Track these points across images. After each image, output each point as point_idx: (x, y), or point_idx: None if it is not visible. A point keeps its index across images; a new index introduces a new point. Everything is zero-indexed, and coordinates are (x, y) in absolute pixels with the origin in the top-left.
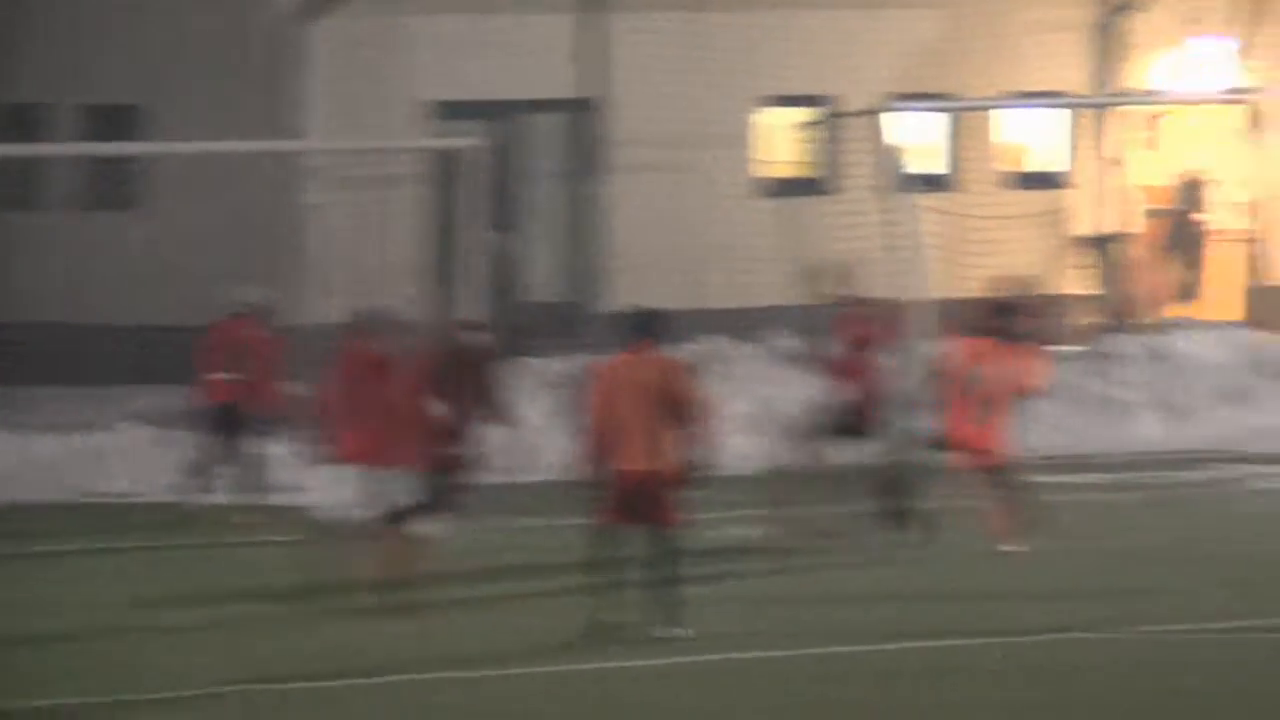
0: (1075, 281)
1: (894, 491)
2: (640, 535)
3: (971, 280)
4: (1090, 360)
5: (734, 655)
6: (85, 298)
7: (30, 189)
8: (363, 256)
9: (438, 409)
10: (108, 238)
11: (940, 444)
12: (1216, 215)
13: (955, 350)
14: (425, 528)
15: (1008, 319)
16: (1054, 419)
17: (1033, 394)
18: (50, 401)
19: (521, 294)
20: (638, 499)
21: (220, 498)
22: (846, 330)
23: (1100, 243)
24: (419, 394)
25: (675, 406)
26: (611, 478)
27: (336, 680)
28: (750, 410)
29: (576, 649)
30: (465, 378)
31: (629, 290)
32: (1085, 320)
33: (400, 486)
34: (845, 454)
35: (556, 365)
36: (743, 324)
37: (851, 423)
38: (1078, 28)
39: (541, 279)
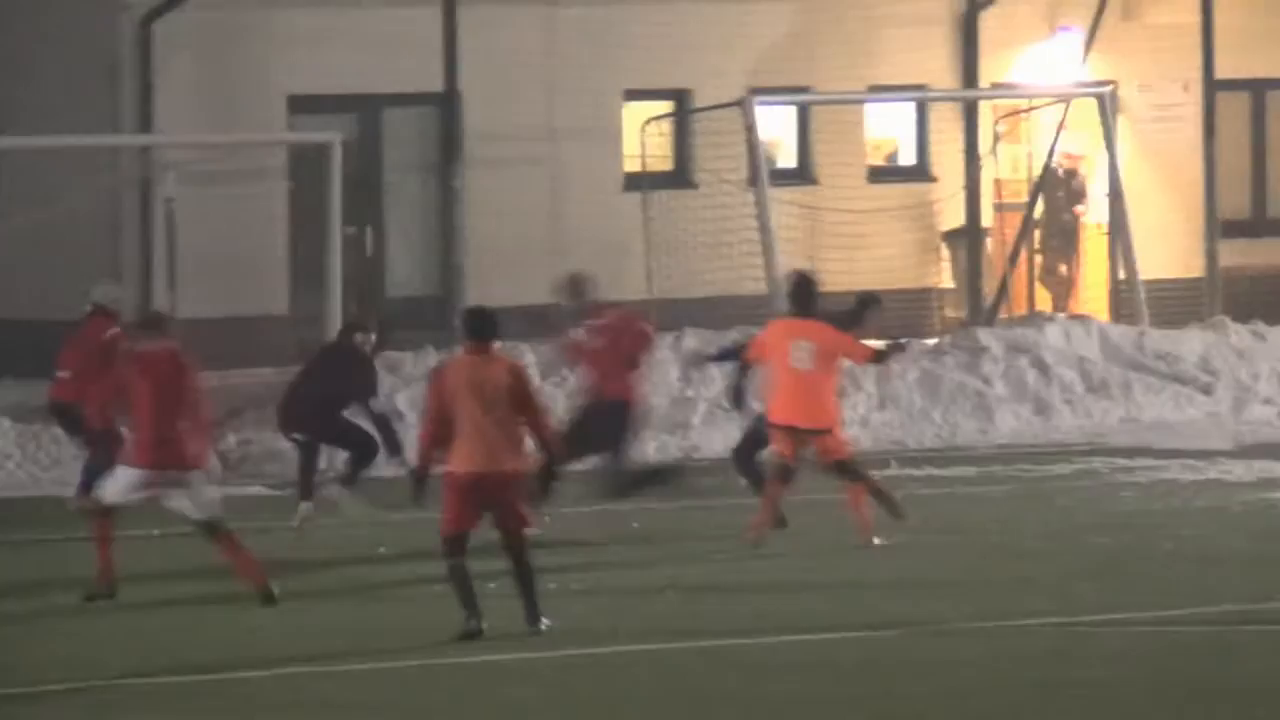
0: (940, 275)
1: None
2: (492, 533)
3: (833, 274)
4: (955, 354)
5: (602, 649)
6: None
7: None
8: (221, 251)
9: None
10: None
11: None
12: (1086, 208)
13: (769, 332)
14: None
15: (811, 298)
16: (920, 412)
17: (860, 362)
18: None
19: (383, 289)
20: (480, 500)
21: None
22: (593, 335)
23: (964, 236)
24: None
25: (519, 407)
26: (452, 479)
27: (207, 674)
28: None
29: (445, 644)
30: (346, 375)
31: (493, 285)
32: (950, 314)
33: (183, 489)
34: (594, 457)
35: (420, 360)
36: None
37: (598, 426)
38: (939, 21)
39: (404, 274)
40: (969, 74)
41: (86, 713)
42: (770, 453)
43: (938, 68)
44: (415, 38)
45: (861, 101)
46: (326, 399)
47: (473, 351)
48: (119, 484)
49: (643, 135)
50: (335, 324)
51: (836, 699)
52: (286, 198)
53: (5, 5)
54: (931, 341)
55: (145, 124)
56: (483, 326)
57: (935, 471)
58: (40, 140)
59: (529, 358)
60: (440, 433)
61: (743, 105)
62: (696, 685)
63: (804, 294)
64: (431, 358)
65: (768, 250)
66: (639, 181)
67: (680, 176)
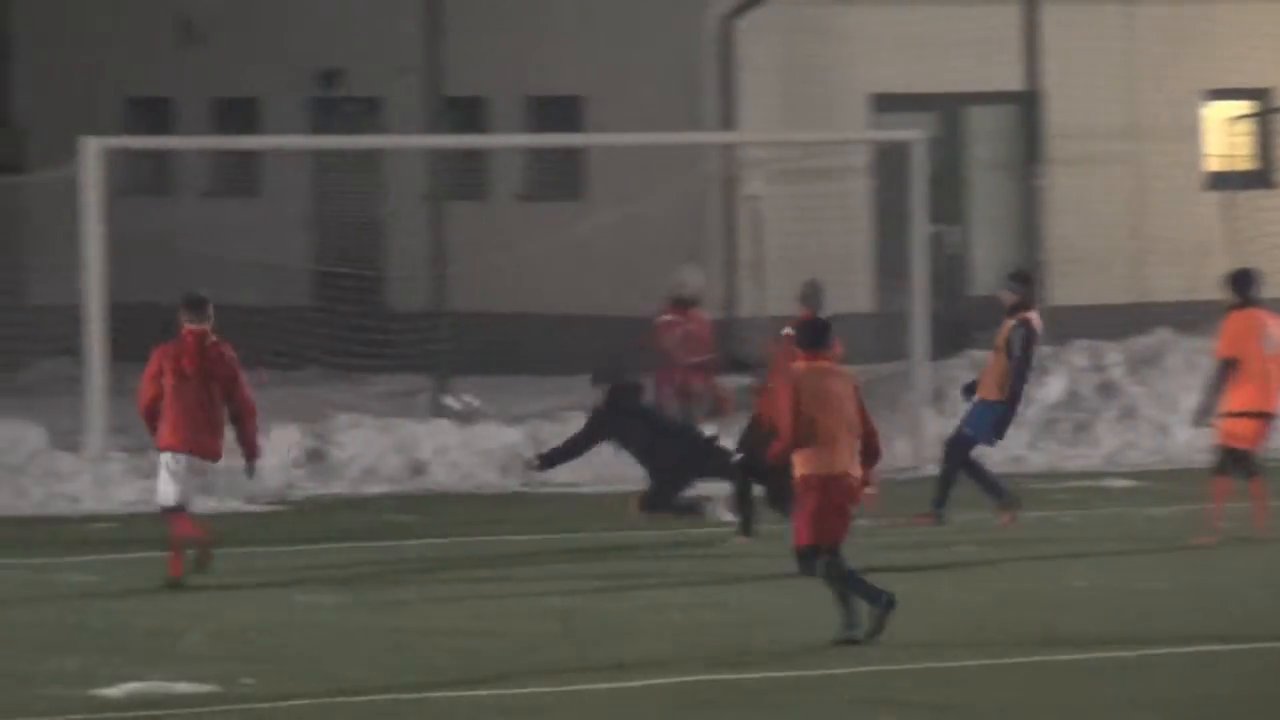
0: None
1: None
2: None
3: None
4: None
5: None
6: (530, 288)
7: (476, 180)
8: (806, 249)
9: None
10: (553, 228)
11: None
12: None
13: (1239, 325)
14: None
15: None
16: None
17: None
18: (500, 391)
19: (965, 287)
20: (841, 506)
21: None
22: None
23: None
24: None
25: (860, 416)
26: (811, 482)
27: (799, 671)
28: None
29: (1032, 644)
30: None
31: (1070, 284)
32: None
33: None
34: None
35: None
36: (1188, 318)
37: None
38: None
39: (986, 272)
40: None
41: (671, 712)
42: (1226, 443)
43: None
44: (997, 37)
45: None
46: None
47: (817, 358)
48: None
49: (1231, 134)
50: (920, 322)
51: None
52: (869, 196)
53: (591, 4)
54: None
55: (728, 121)
56: (826, 335)
57: None
58: (624, 137)
59: (1113, 356)
60: (799, 439)
61: None
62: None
63: (1253, 284)
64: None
65: None
66: (1221, 181)
67: (1263, 176)
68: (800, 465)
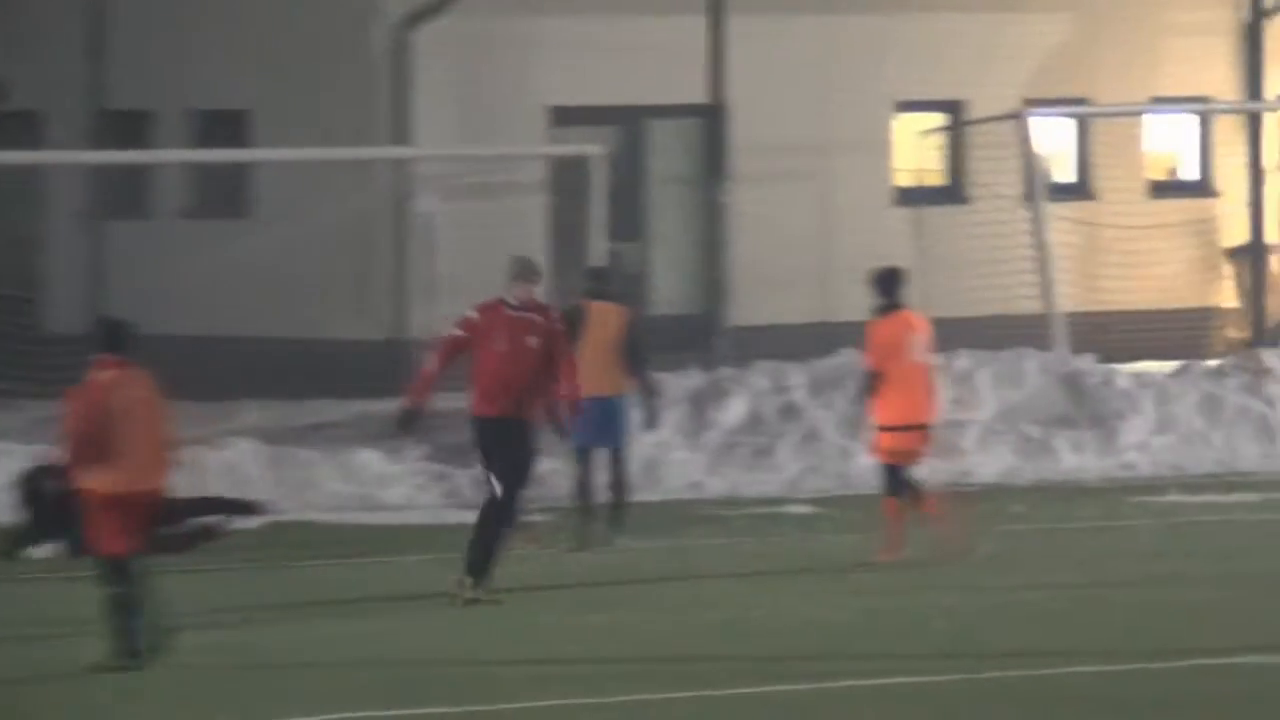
0: (1223, 294)
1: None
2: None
3: (1111, 293)
4: (1237, 375)
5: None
6: (192, 308)
7: (137, 197)
8: (477, 267)
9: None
10: (217, 247)
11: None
12: None
13: (890, 330)
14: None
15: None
16: (1200, 435)
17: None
18: None
19: (645, 306)
20: (141, 520)
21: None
22: None
23: (1248, 253)
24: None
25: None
26: (102, 499)
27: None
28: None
29: None
30: None
31: (757, 302)
32: (1233, 334)
33: None
34: None
35: (682, 381)
36: None
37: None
38: (1222, 32)
39: (667, 291)
40: (1253, 86)
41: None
42: (884, 460)
43: (1220, 79)
44: (681, 48)
45: (1140, 114)
46: None
47: (108, 366)
48: None
49: (923, 148)
50: None
51: None
52: (546, 212)
53: (258, 13)
54: (1214, 363)
55: (401, 136)
56: (113, 338)
57: (1215, 498)
58: (290, 153)
59: (796, 378)
60: (88, 453)
61: (1018, 118)
62: None
63: (900, 284)
64: (694, 378)
65: (1044, 268)
66: (910, 196)
67: (953, 191)
68: (96, 481)
